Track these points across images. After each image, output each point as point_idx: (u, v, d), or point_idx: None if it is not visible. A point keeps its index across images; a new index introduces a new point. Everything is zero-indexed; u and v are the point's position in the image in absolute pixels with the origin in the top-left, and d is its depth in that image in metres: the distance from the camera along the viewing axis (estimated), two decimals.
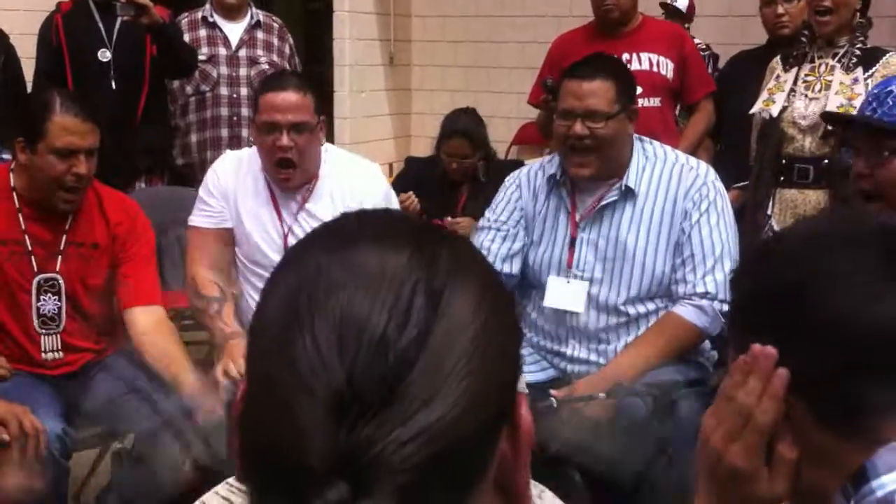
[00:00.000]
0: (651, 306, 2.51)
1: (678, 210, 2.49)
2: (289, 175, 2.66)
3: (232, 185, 2.75)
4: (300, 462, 0.53)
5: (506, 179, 2.72)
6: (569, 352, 2.56)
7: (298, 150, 2.62)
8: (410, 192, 3.80)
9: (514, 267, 2.61)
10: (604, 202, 2.53)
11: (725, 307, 2.42)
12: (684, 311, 2.45)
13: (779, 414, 0.89)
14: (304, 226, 2.71)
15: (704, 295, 2.44)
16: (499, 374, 0.58)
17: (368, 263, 0.57)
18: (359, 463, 0.52)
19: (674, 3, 4.52)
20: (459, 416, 0.54)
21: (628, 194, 2.52)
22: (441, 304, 0.56)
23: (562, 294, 2.53)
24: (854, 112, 2.92)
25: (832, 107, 2.97)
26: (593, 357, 2.53)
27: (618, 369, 2.38)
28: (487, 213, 2.70)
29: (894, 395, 0.86)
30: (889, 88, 1.98)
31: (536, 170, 2.67)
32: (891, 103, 1.95)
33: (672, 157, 2.57)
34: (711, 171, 2.57)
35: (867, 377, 0.87)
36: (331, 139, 4.25)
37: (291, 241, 2.69)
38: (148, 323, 2.58)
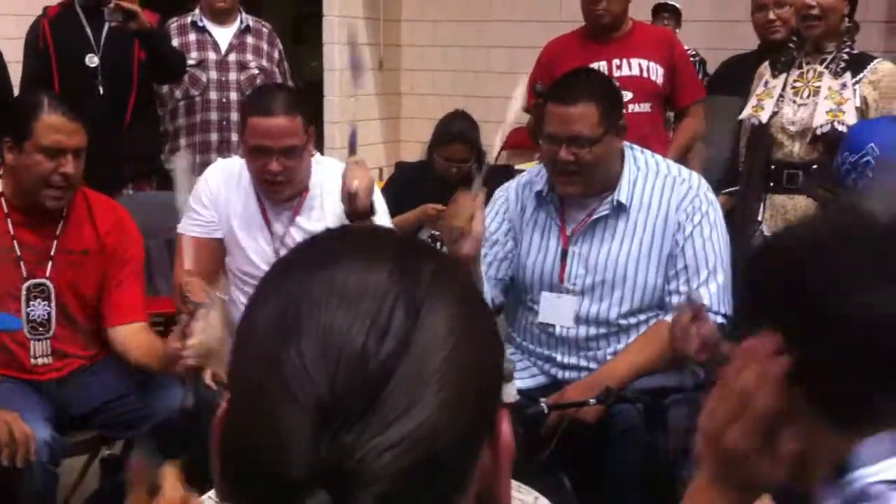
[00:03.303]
0: (642, 317, 2.51)
1: (671, 223, 2.47)
2: (278, 190, 2.68)
3: (223, 195, 2.74)
4: (282, 472, 0.53)
5: (495, 193, 2.71)
6: (559, 357, 2.55)
7: (288, 172, 2.63)
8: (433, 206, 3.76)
9: (502, 271, 2.59)
10: (595, 216, 2.51)
11: (719, 319, 2.42)
12: None
13: (777, 400, 0.90)
14: (295, 238, 2.70)
15: None
16: (477, 384, 0.58)
17: (350, 281, 0.58)
18: (339, 472, 0.53)
19: (671, 2, 4.53)
20: (438, 424, 0.55)
21: (620, 208, 2.50)
22: (420, 317, 0.57)
23: (553, 310, 2.52)
24: (843, 116, 2.94)
25: (821, 112, 2.98)
26: (583, 363, 2.53)
27: (608, 375, 2.37)
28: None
29: (891, 389, 0.87)
30: (865, 158, 2.00)
31: (524, 183, 2.65)
32: (870, 175, 1.97)
33: (664, 168, 2.55)
34: (704, 182, 2.56)
35: (866, 371, 0.88)
36: (321, 144, 4.24)
37: (282, 252, 2.68)
38: (128, 338, 2.60)
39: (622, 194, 2.50)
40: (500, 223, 2.63)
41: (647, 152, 2.60)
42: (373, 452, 0.53)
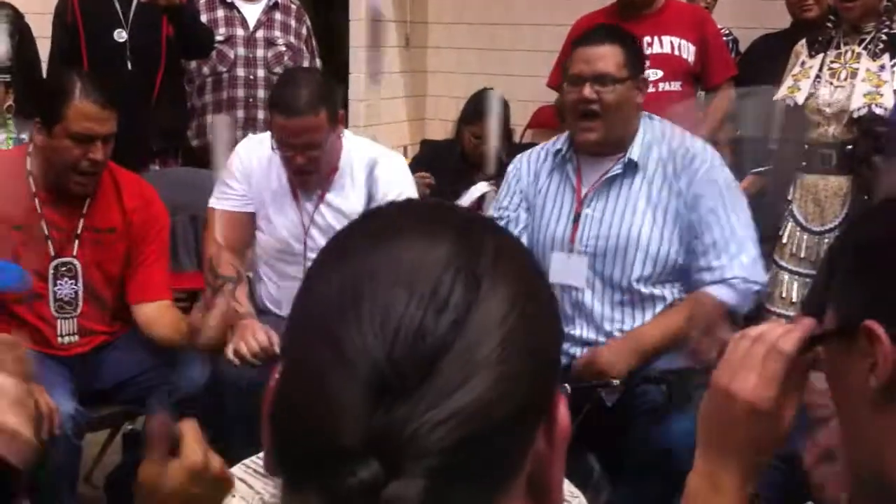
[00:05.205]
0: (658, 291, 2.49)
1: (685, 194, 2.47)
2: (304, 181, 2.68)
3: (256, 170, 2.75)
4: (334, 441, 0.54)
5: (507, 168, 2.73)
6: (577, 333, 2.54)
7: (315, 163, 2.62)
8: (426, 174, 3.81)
9: None
10: (608, 175, 2.52)
11: (756, 287, 2.43)
12: (714, 288, 2.44)
13: (803, 345, 0.90)
14: (325, 215, 2.72)
15: (734, 279, 2.43)
16: (533, 364, 0.58)
17: (411, 255, 0.58)
18: (392, 442, 0.53)
19: None
20: (491, 401, 0.55)
21: (632, 168, 2.51)
22: (479, 294, 0.57)
23: (564, 270, 2.52)
24: (880, 100, 2.89)
25: (859, 95, 2.93)
26: (602, 339, 2.51)
27: (641, 335, 2.38)
28: (494, 205, 2.73)
29: None
30: None
31: (538, 151, 2.69)
32: None
33: (678, 139, 2.55)
34: (717, 154, 2.56)
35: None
36: (345, 122, 4.21)
37: (312, 229, 2.72)
38: (153, 316, 2.60)
39: (634, 153, 2.51)
40: (511, 196, 2.66)
41: (666, 122, 2.60)
42: (426, 425, 0.53)
